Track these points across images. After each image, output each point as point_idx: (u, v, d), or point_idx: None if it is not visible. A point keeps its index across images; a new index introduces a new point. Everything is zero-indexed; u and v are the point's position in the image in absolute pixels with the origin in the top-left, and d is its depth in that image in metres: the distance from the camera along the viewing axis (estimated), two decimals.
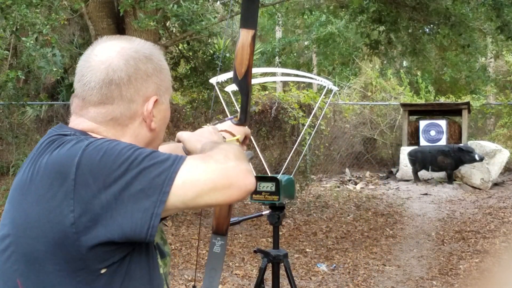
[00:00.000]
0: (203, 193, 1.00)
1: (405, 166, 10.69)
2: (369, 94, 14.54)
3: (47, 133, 1.20)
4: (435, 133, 10.85)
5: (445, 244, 6.52)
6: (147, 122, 1.21)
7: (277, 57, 13.41)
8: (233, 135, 1.39)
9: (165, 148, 1.39)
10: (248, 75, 1.31)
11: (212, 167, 1.02)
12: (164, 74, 1.24)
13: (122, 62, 1.17)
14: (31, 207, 1.07)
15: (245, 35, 1.30)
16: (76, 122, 1.20)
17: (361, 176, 11.44)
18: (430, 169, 10.20)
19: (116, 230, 1.02)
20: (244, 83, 1.32)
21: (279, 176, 2.95)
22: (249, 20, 1.30)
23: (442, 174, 10.35)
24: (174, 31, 7.72)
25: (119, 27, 6.80)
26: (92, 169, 1.03)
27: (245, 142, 1.48)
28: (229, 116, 1.45)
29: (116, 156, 1.04)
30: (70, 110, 1.24)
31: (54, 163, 1.07)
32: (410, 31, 8.39)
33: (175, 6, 5.64)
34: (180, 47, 7.93)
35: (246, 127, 1.44)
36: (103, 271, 1.06)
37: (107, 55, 1.17)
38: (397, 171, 11.06)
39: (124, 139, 1.19)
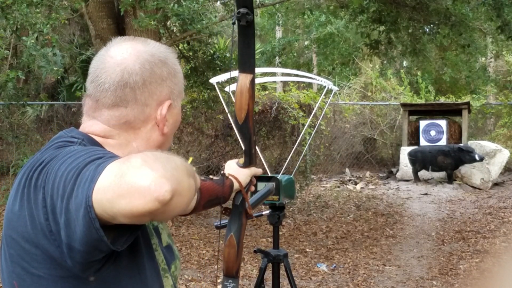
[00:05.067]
0: (113, 200, 0.90)
1: (405, 166, 10.69)
2: (369, 94, 14.53)
3: (58, 134, 1.19)
4: (435, 133, 10.84)
5: (445, 244, 6.52)
6: (160, 126, 1.20)
7: (277, 57, 13.40)
8: (238, 180, 1.36)
9: None
10: (248, 119, 1.29)
11: (123, 171, 0.91)
12: (178, 78, 1.24)
13: (137, 65, 1.16)
14: (22, 211, 1.06)
15: (243, 80, 1.28)
16: (89, 123, 1.19)
17: (361, 176, 11.44)
18: (430, 169, 10.20)
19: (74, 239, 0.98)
20: (245, 127, 1.30)
21: (279, 176, 2.95)
22: (246, 64, 1.28)
23: (442, 174, 10.35)
24: (174, 31, 7.71)
25: (119, 27, 6.79)
26: (55, 179, 1.00)
27: (252, 182, 1.45)
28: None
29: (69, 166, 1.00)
30: (83, 110, 1.22)
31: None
32: (410, 31, 8.38)
33: (176, 5, 5.64)
34: (180, 47, 7.92)
35: (253, 167, 1.41)
36: (91, 279, 1.06)
37: (122, 57, 1.16)
38: (397, 171, 11.06)
39: (136, 142, 1.19)
